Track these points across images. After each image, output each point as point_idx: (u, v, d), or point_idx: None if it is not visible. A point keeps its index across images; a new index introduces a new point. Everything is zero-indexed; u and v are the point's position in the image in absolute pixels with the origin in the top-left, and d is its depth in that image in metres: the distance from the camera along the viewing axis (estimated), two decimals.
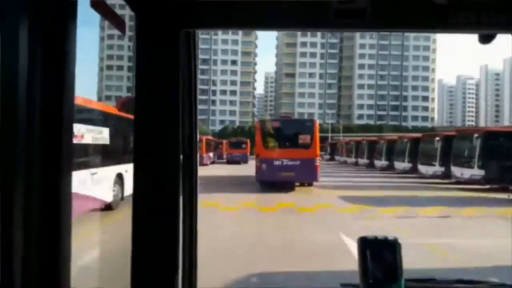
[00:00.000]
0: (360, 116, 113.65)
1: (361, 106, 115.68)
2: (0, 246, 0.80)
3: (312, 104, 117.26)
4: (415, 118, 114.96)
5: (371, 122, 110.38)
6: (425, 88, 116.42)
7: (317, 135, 18.99)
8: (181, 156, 1.54)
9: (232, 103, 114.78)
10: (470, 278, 1.81)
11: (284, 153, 18.39)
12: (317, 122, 20.30)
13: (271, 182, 18.33)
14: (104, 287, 3.81)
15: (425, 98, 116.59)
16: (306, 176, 18.55)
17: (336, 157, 54.83)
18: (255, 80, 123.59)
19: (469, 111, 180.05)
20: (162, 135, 1.46)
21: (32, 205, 0.82)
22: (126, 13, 1.71)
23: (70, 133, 0.89)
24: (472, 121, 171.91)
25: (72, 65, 0.89)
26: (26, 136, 0.81)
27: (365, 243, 1.33)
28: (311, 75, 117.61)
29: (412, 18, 1.45)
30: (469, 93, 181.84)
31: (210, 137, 50.27)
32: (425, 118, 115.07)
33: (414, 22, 1.47)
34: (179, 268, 1.52)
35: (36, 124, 0.82)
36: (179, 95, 1.49)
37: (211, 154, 43.08)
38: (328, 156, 59.97)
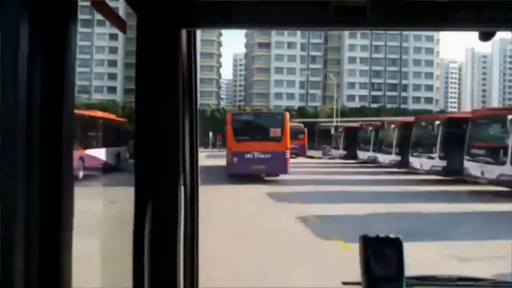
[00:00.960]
0: (351, 98, 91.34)
1: (352, 85, 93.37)
2: (0, 246, 0.80)
3: (292, 83, 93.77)
4: (416, 99, 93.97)
5: (364, 104, 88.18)
6: (429, 63, 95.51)
7: (288, 128, 19.36)
8: (182, 155, 1.55)
9: None
10: (471, 276, 1.86)
11: (255, 146, 18.66)
12: (288, 115, 20.35)
13: (241, 175, 18.62)
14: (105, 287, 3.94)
15: (429, 75, 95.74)
16: (277, 168, 19.17)
17: (362, 154, 31.20)
18: (220, 54, 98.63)
19: (451, 97, 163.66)
20: (162, 133, 1.48)
21: (33, 205, 0.82)
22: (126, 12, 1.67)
23: (71, 133, 0.89)
24: (454, 107, 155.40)
25: (73, 64, 0.89)
26: (26, 136, 0.81)
27: (366, 241, 1.32)
28: (290, 45, 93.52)
29: (412, 16, 1.44)
30: (452, 78, 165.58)
31: (107, 116, 24.94)
32: (428, 100, 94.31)
33: (414, 19, 1.46)
34: (180, 268, 1.53)
35: (37, 124, 0.82)
36: (179, 93, 1.50)
37: (87, 155, 17.30)
38: (342, 152, 36.38)
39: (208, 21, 1.51)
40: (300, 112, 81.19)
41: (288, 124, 19.56)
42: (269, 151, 18.42)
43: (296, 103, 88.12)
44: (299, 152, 37.20)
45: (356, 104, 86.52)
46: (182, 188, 1.53)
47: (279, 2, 1.46)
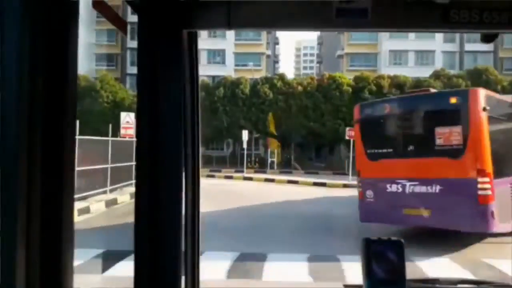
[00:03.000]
0: None
1: None
2: (1, 247, 0.80)
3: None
4: None
5: None
6: None
7: (483, 124, 8.17)
8: (183, 157, 1.58)
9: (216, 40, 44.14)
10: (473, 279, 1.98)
11: (407, 167, 9.03)
12: (479, 94, 8.53)
13: (386, 225, 9.38)
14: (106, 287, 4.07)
15: None
16: (459, 218, 8.07)
17: None
18: None
19: None
20: (164, 135, 1.50)
21: (34, 204, 0.82)
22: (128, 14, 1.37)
23: (73, 133, 0.90)
24: None
25: (74, 64, 0.90)
26: (28, 136, 0.81)
27: (368, 244, 1.34)
28: None
29: (413, 18, 1.47)
30: None
31: None
32: None
33: (416, 21, 1.49)
34: (182, 269, 1.56)
35: (38, 124, 0.83)
36: (181, 95, 1.54)
37: None
38: None
39: (209, 22, 1.55)
40: (474, 81, 33.12)
41: (482, 115, 8.04)
42: (436, 177, 8.45)
43: (438, 70, 39.06)
44: None
45: None
46: (184, 187, 1.55)
47: (280, 3, 1.48)
